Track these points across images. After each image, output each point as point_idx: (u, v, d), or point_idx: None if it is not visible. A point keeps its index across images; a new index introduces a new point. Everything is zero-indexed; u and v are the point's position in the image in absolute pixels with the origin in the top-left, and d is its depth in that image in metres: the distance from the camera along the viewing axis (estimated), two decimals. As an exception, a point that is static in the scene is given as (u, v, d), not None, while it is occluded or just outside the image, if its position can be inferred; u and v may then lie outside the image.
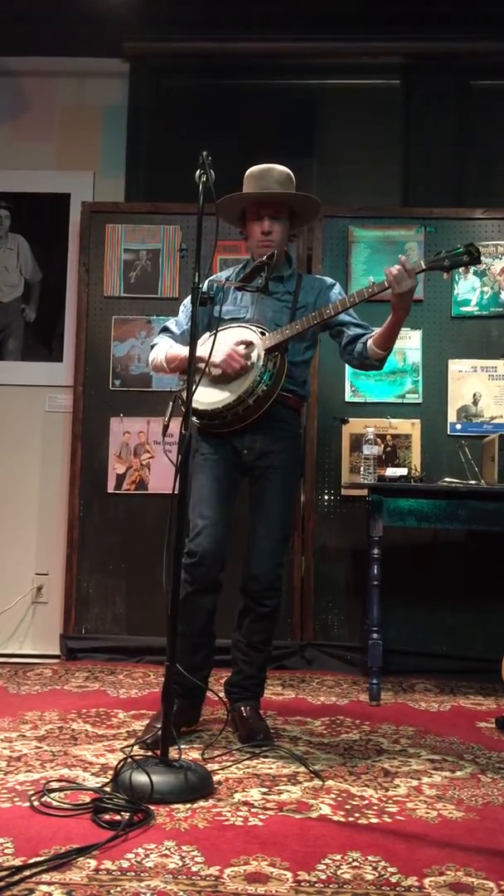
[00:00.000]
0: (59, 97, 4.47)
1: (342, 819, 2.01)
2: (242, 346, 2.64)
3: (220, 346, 2.60)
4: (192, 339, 2.35)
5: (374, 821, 2.01)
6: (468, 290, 4.05)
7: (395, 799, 2.16)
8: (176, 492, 2.28)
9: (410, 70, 4.40)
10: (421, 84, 4.39)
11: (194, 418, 2.71)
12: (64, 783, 2.19)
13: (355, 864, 1.75)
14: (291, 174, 2.83)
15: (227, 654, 2.86)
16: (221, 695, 2.83)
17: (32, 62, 4.45)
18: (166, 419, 2.56)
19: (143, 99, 4.45)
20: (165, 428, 2.54)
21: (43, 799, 2.05)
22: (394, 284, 2.57)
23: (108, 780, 2.18)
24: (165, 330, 2.91)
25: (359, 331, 2.81)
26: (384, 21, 4.23)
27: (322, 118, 4.51)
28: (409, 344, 4.01)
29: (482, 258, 4.00)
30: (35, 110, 4.46)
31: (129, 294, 4.16)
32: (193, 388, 2.33)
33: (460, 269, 4.01)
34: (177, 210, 4.12)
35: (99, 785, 2.17)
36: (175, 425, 2.54)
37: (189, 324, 2.79)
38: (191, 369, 2.32)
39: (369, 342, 2.74)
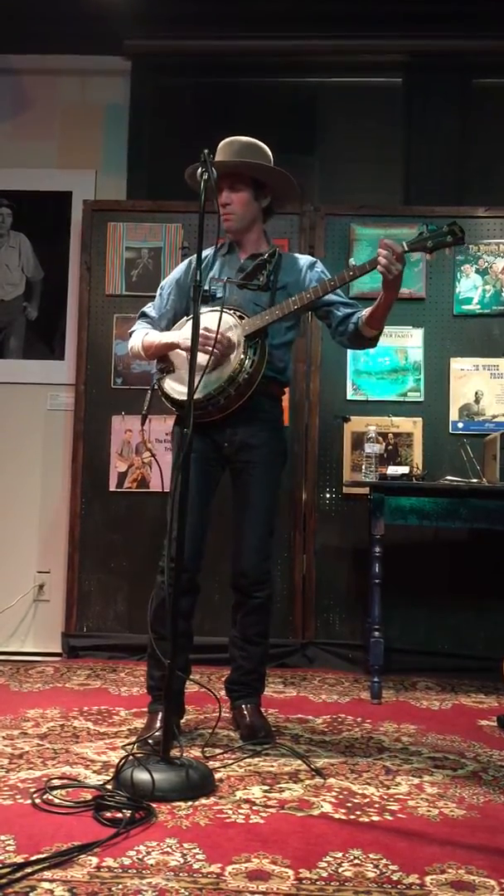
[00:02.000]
0: (61, 95, 4.47)
1: (343, 817, 2.01)
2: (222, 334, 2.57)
3: (188, 332, 2.47)
4: (193, 338, 2.33)
5: (376, 819, 2.01)
6: (470, 288, 4.05)
7: (396, 797, 2.16)
8: (173, 489, 2.28)
9: (412, 68, 4.40)
10: (423, 82, 4.38)
11: (174, 408, 2.68)
12: (65, 781, 2.19)
13: (357, 861, 1.75)
14: (260, 145, 2.74)
15: (225, 653, 2.86)
16: (222, 693, 2.83)
17: (34, 60, 4.45)
18: (144, 409, 2.54)
19: (144, 97, 4.45)
20: (144, 418, 2.52)
21: (45, 796, 2.06)
22: (385, 273, 2.51)
23: (109, 778, 2.18)
24: (143, 316, 2.85)
25: (348, 310, 2.74)
26: (386, 19, 4.22)
27: (323, 116, 4.51)
28: (411, 342, 4.01)
29: (485, 257, 4.05)
30: (37, 108, 4.46)
31: (130, 292, 4.15)
32: (195, 385, 2.30)
33: (464, 268, 4.06)
34: (178, 208, 4.12)
35: (100, 782, 2.17)
36: (158, 424, 2.52)
37: (166, 307, 2.77)
38: (192, 367, 2.30)
39: (361, 322, 2.69)
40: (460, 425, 3.98)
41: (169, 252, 4.15)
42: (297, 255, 2.93)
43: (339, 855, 1.78)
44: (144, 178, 4.42)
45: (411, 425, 3.98)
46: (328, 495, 4.00)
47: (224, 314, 2.61)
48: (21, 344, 4.36)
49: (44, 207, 4.38)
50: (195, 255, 2.47)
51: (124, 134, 4.42)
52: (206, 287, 2.59)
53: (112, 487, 4.06)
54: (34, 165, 4.40)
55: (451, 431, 3.98)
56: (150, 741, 2.42)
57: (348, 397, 4.03)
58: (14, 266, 4.38)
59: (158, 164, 4.42)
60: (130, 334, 2.85)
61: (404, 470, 3.56)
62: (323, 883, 1.65)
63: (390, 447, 3.95)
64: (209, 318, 2.57)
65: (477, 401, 3.99)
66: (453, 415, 3.99)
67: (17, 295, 4.38)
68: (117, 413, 4.09)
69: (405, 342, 3.99)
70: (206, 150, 2.34)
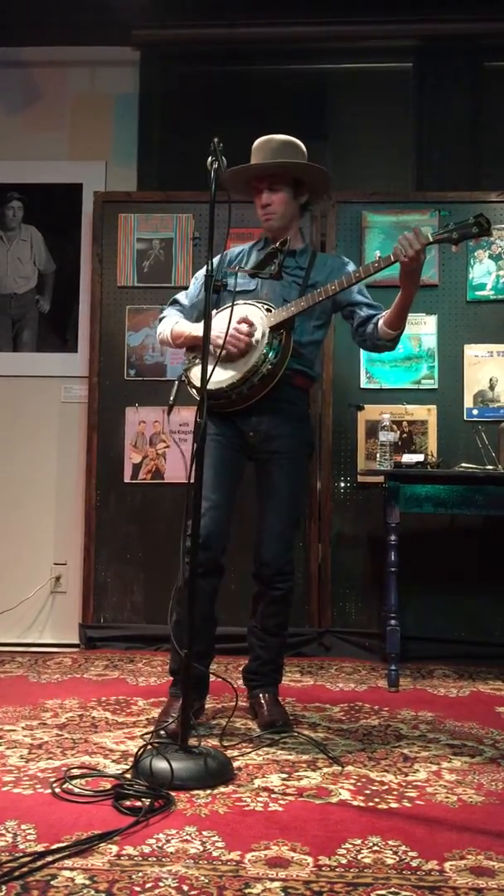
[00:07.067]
0: (71, 86, 4.46)
1: (362, 804, 2.01)
2: (245, 325, 2.58)
3: (222, 326, 2.52)
4: (205, 328, 2.34)
5: (394, 806, 2.01)
6: (483, 274, 4.02)
7: (414, 784, 2.16)
8: (191, 480, 2.28)
9: (423, 52, 4.36)
10: (434, 66, 4.35)
11: (199, 397, 2.69)
12: (85, 770, 2.21)
13: (376, 848, 1.75)
14: (297, 142, 2.75)
15: (243, 642, 2.86)
16: (239, 683, 2.84)
17: (43, 52, 4.44)
18: (171, 399, 2.54)
19: (153, 87, 4.43)
20: (170, 408, 2.52)
21: (64, 786, 2.07)
22: (400, 256, 2.52)
23: (128, 767, 2.20)
24: (175, 302, 2.87)
25: (371, 311, 2.74)
26: (395, 3, 4.19)
27: (334, 103, 4.48)
28: (425, 329, 3.99)
29: (498, 242, 4.02)
30: (46, 100, 4.46)
31: (142, 283, 4.15)
32: (208, 375, 2.31)
33: (477, 254, 4.03)
34: (189, 198, 4.11)
35: (119, 772, 2.19)
36: (189, 413, 2.53)
37: (199, 296, 2.76)
38: (205, 358, 2.31)
39: (380, 323, 2.69)
40: (475, 412, 3.96)
41: (180, 242, 4.14)
42: (332, 255, 2.94)
43: (359, 842, 1.78)
44: (154, 169, 4.42)
45: (425, 413, 3.96)
46: (343, 484, 4.00)
47: (253, 307, 2.65)
48: (34, 337, 4.37)
49: (54, 200, 4.38)
50: (230, 250, 2.45)
51: (134, 124, 4.41)
52: (219, 278, 2.58)
53: (127, 479, 4.07)
54: (45, 157, 4.39)
55: (465, 418, 3.96)
56: (163, 732, 2.43)
57: (362, 385, 4.02)
58: (26, 259, 4.39)
59: (168, 154, 4.41)
60: (160, 320, 2.86)
61: (419, 458, 3.55)
62: (342, 870, 1.65)
63: (405, 435, 3.93)
64: (238, 311, 2.61)
65: (491, 387, 3.97)
66: (468, 402, 3.97)
67: (30, 288, 4.39)
68: (131, 405, 4.09)
69: (419, 329, 3.97)
70: (216, 140, 2.32)
